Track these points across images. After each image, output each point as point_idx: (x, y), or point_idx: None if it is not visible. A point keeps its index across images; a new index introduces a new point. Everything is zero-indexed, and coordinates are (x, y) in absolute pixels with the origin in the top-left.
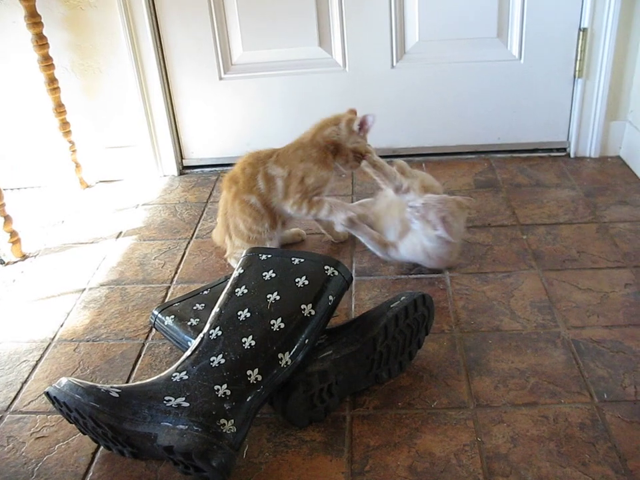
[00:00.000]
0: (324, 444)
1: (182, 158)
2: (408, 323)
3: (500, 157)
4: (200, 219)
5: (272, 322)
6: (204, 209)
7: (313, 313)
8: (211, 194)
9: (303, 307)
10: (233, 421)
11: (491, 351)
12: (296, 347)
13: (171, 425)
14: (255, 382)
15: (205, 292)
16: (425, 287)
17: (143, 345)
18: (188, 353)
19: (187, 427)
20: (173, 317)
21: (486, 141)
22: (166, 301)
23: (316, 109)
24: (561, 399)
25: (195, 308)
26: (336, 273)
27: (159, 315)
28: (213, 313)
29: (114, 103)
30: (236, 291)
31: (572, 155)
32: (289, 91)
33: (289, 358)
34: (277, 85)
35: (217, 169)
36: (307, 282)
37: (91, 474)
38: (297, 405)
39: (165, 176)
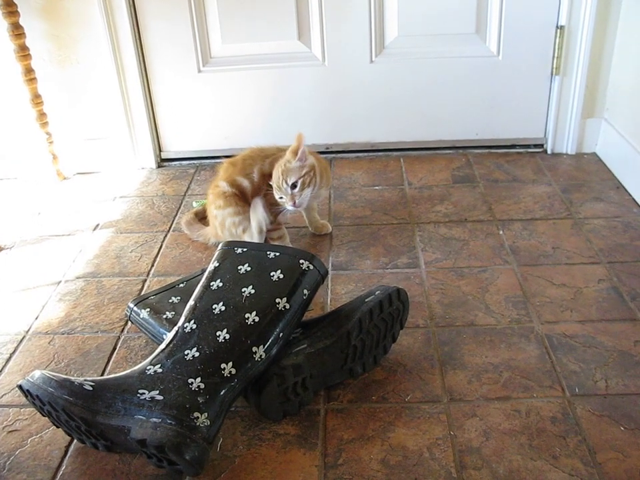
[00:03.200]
0: (298, 437)
1: (160, 150)
2: (382, 317)
3: (477, 152)
4: (177, 212)
5: (246, 315)
6: (181, 202)
7: (287, 306)
8: (188, 187)
9: (277, 300)
10: (206, 414)
11: (465, 345)
12: (270, 340)
13: (144, 418)
14: (228, 375)
15: (181, 285)
16: (401, 282)
17: (119, 337)
18: (162, 346)
19: (160, 420)
20: (148, 309)
21: (464, 137)
22: (142, 293)
23: (294, 103)
24: (534, 393)
25: (170, 301)
26: (311, 267)
27: (135, 308)
28: (187, 306)
29: (92, 95)
30: (211, 284)
31: (549, 152)
32: (268, 85)
33: (263, 352)
34: (255, 78)
35: (195, 162)
36: (281, 276)
37: (64, 467)
38: (271, 399)
39: (142, 168)
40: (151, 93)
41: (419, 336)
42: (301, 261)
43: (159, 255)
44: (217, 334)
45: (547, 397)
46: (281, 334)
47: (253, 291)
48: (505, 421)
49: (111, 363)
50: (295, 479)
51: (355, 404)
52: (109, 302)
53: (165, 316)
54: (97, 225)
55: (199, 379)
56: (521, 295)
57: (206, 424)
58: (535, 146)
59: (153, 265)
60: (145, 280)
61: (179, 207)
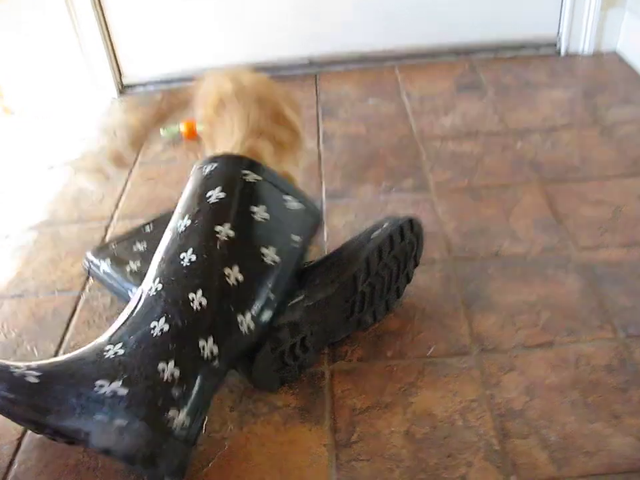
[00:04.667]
0: (300, 410)
1: (121, 76)
2: (394, 254)
3: (482, 57)
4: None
5: (226, 271)
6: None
7: (276, 259)
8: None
9: (263, 250)
10: (184, 410)
11: (493, 281)
12: (258, 305)
13: (106, 419)
14: (209, 356)
15: (148, 228)
16: (409, 208)
17: (79, 297)
18: (123, 316)
19: (126, 422)
20: (109, 261)
21: (466, 39)
22: (103, 242)
23: (269, 11)
24: (581, 337)
25: (135, 248)
26: (295, 206)
27: (94, 260)
28: (153, 260)
29: (36, 15)
30: (178, 224)
31: (563, 52)
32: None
33: (251, 320)
34: None
35: (163, 86)
36: (266, 215)
37: (15, 466)
38: (265, 366)
39: (102, 97)
40: (103, 9)
41: (436, 273)
42: (285, 197)
43: (124, 195)
44: (190, 297)
45: (597, 341)
46: (272, 295)
47: (231, 234)
48: (550, 373)
49: (70, 328)
50: (300, 464)
51: (366, 362)
52: (66, 255)
53: (129, 267)
54: (51, 166)
55: (171, 364)
56: (551, 217)
57: (185, 423)
58: (547, 46)
59: (117, 207)
60: (109, 225)
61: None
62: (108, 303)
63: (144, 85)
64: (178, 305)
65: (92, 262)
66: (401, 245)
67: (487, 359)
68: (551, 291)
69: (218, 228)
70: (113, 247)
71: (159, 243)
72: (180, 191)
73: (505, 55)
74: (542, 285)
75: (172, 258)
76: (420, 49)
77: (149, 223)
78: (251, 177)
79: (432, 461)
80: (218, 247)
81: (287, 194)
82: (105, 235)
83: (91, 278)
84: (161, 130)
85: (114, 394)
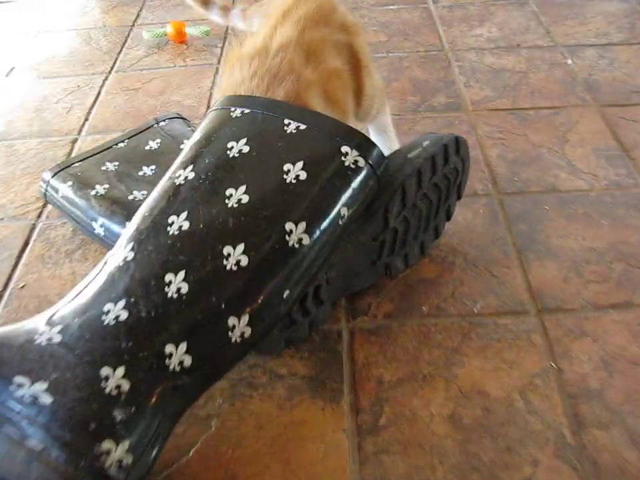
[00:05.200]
0: (311, 381)
1: None
2: (435, 181)
3: None
4: (123, 46)
5: (226, 250)
6: (128, 35)
7: (305, 240)
8: (138, 15)
9: (288, 226)
10: (127, 443)
11: (550, 221)
12: (262, 304)
13: (17, 435)
14: (177, 368)
15: (121, 144)
16: (442, 129)
17: (33, 226)
18: (78, 287)
19: (42, 445)
20: (70, 183)
21: None
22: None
23: None
24: None
25: (104, 168)
26: (360, 162)
27: (52, 182)
28: (134, 217)
29: None
30: (176, 175)
31: None
32: None
33: (247, 326)
34: None
35: None
36: (304, 175)
37: None
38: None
39: None
40: None
41: (479, 209)
42: (343, 148)
43: (96, 105)
44: (166, 279)
45: None
46: (287, 292)
47: (245, 199)
48: (632, 342)
49: (20, 266)
50: (311, 454)
51: (395, 320)
52: (22, 174)
53: (94, 191)
54: (11, 69)
55: (120, 371)
56: (616, 145)
57: (124, 462)
58: None
59: (87, 119)
60: (75, 140)
61: (125, 41)
62: (68, 234)
63: None
64: (148, 285)
65: (49, 184)
66: (444, 169)
67: (550, 320)
68: (623, 237)
69: (229, 191)
70: (77, 165)
71: (133, 164)
72: (163, 102)
73: None
74: (611, 228)
75: (157, 220)
76: None
77: (124, 140)
78: (294, 125)
79: (486, 456)
80: (221, 217)
81: (347, 143)
82: (71, 152)
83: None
84: (144, 32)
85: (34, 400)
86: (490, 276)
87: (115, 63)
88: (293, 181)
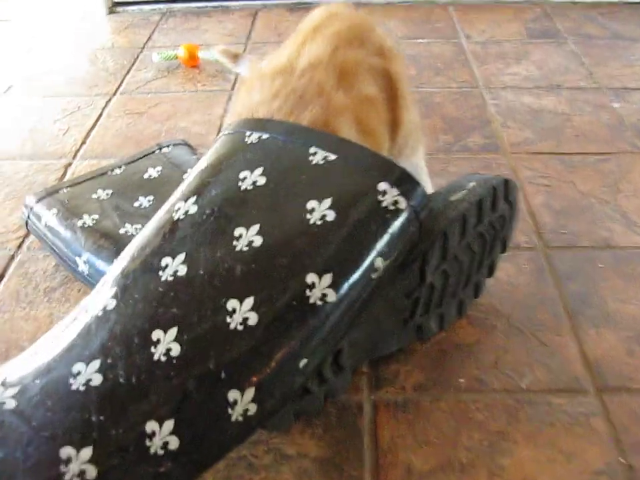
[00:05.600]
0: (324, 464)
1: None
2: (481, 230)
3: (556, 1)
4: (130, 68)
5: (229, 304)
6: (138, 56)
7: (330, 297)
8: (149, 37)
9: (309, 279)
10: None
11: (605, 282)
12: (271, 376)
13: None
14: (161, 451)
15: (118, 170)
16: (478, 171)
17: (12, 258)
18: (45, 340)
19: None
20: (56, 210)
21: None
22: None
23: None
24: None
25: (95, 196)
26: (400, 203)
27: (37, 207)
28: (124, 253)
29: None
30: (175, 208)
31: None
32: None
33: (251, 402)
34: None
35: (162, 5)
36: (331, 215)
37: None
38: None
39: (86, 14)
40: None
41: (523, 264)
42: (380, 185)
43: (96, 127)
44: (154, 337)
45: None
46: (303, 360)
47: (258, 241)
48: None
49: None
50: None
51: (427, 392)
52: (5, 198)
53: (80, 222)
54: (10, 87)
55: (86, 452)
56: None
57: None
58: None
59: (84, 142)
60: (69, 164)
61: (134, 62)
62: (50, 270)
63: (139, 3)
64: (130, 344)
65: (32, 210)
66: (492, 216)
67: (613, 401)
68: None
69: (239, 230)
70: (65, 191)
71: (129, 194)
72: (169, 127)
73: (585, 1)
74: None
75: (147, 261)
76: None
77: (120, 165)
78: (321, 155)
79: None
80: (227, 262)
81: (386, 179)
82: (63, 177)
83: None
84: (154, 54)
85: None
86: (538, 344)
87: (120, 84)
88: (318, 222)
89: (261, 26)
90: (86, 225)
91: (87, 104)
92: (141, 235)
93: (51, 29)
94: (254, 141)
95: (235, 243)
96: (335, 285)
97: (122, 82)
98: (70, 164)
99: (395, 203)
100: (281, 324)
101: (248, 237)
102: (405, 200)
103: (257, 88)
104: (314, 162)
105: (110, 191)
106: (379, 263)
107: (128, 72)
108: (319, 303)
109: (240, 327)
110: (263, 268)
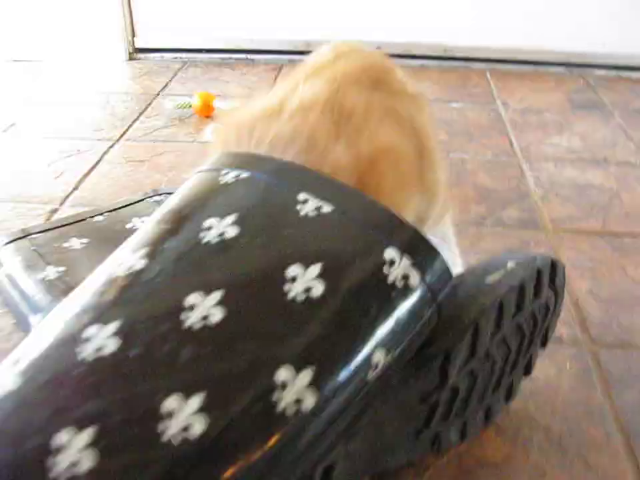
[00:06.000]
0: None
1: (133, 36)
2: (519, 321)
3: (601, 74)
4: (140, 114)
5: (167, 403)
6: (150, 103)
7: (307, 402)
8: (167, 85)
9: (281, 375)
10: None
11: None
12: None
13: None
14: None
15: (99, 217)
16: (513, 248)
17: None
18: None
19: None
20: (21, 258)
21: (581, 49)
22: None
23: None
24: None
25: (67, 245)
26: (412, 279)
27: (1, 252)
28: (42, 320)
29: None
30: (119, 262)
31: None
32: None
33: None
34: None
35: (184, 55)
36: (319, 289)
37: None
38: None
39: (107, 58)
40: None
41: (566, 362)
42: (388, 252)
43: (92, 173)
44: (57, 442)
45: None
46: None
47: (216, 315)
48: None
49: None
50: None
51: None
52: None
53: (43, 274)
54: (12, 124)
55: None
56: None
57: None
58: None
59: (76, 188)
60: (55, 210)
61: (145, 109)
62: (8, 328)
63: (161, 51)
64: (27, 441)
65: None
66: (533, 304)
67: None
68: None
69: (192, 298)
70: (36, 236)
71: (107, 244)
72: (171, 178)
73: (632, 75)
74: None
75: (67, 332)
76: (518, 53)
77: (103, 212)
78: (312, 204)
79: None
80: (171, 342)
81: (392, 247)
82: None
83: None
84: (167, 100)
85: None
86: (584, 467)
87: (126, 130)
88: (300, 298)
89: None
90: (47, 278)
91: (87, 148)
92: (70, 296)
93: (68, 71)
94: (229, 181)
95: (183, 316)
96: (315, 385)
97: (128, 128)
98: (56, 210)
99: (405, 277)
100: (237, 435)
101: (204, 308)
102: (419, 274)
103: (232, 139)
104: (302, 212)
105: (86, 240)
106: (379, 357)
107: (137, 118)
108: (291, 411)
109: (179, 439)
110: (220, 354)
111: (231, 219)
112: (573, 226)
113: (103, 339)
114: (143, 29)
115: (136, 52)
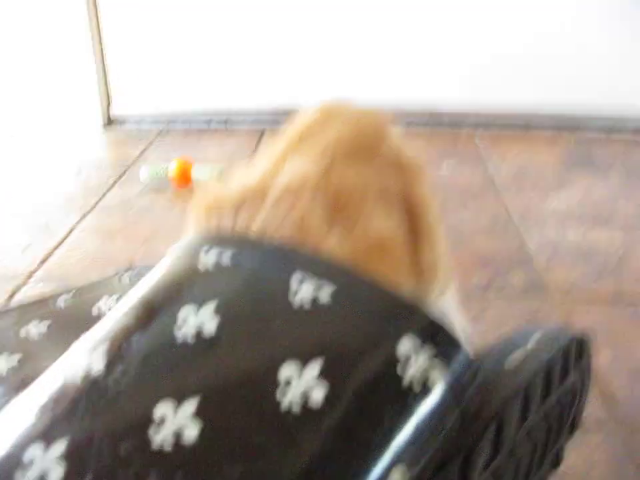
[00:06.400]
0: None
1: (109, 104)
2: (546, 410)
3: (592, 136)
4: (114, 184)
5: None
6: (125, 171)
7: None
8: (143, 152)
9: None
10: None
11: None
12: None
13: None
14: None
15: (62, 301)
16: (523, 319)
17: None
18: None
19: None
20: None
21: (571, 112)
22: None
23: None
24: None
25: (23, 333)
26: (431, 379)
27: None
28: None
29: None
30: (71, 363)
31: None
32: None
33: None
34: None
35: (162, 122)
36: (318, 395)
37: None
38: None
39: (83, 128)
40: (99, 16)
41: (593, 449)
42: (402, 347)
43: (61, 247)
44: None
45: None
46: None
47: (191, 434)
48: None
49: None
50: None
51: None
52: None
53: None
54: None
55: None
56: None
57: None
58: None
59: (44, 262)
60: (19, 287)
61: (119, 177)
62: None
63: (139, 121)
64: None
65: None
66: (560, 390)
67: None
68: None
69: (161, 411)
70: None
71: (68, 332)
72: (146, 251)
73: (622, 138)
74: None
75: (7, 461)
76: (506, 117)
77: (70, 291)
78: (307, 290)
79: None
80: (134, 469)
81: (407, 339)
82: (8, 303)
83: None
84: (143, 168)
85: None
86: None
87: (99, 200)
88: (295, 408)
89: (266, 146)
90: None
91: (57, 220)
92: (18, 400)
93: (40, 143)
94: (209, 264)
95: (150, 434)
96: None
97: (101, 198)
98: (20, 287)
99: (424, 379)
100: None
101: (175, 424)
102: (439, 374)
103: (214, 223)
104: (297, 303)
105: (47, 323)
106: (399, 475)
107: (111, 188)
108: None
109: None
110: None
111: (209, 309)
112: (582, 293)
113: (47, 463)
114: (119, 96)
115: (111, 120)
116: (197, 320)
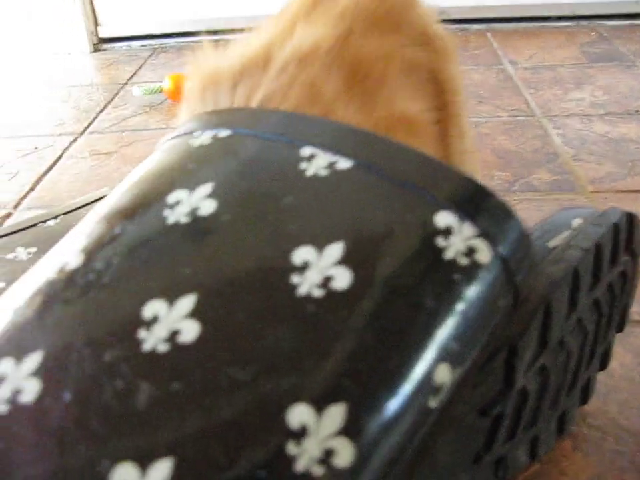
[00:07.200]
0: None
1: (97, 25)
2: (597, 296)
3: (613, 24)
4: (107, 105)
5: (116, 474)
6: (117, 93)
7: (341, 456)
8: (135, 73)
9: (297, 417)
10: None
11: None
12: None
13: None
14: None
15: (52, 221)
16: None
17: None
18: None
19: None
20: None
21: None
22: None
23: None
24: None
25: (11, 256)
26: (480, 253)
27: None
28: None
29: None
30: (53, 261)
31: None
32: None
33: None
34: None
35: (155, 41)
36: (344, 279)
37: None
38: None
39: (70, 52)
40: None
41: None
42: (440, 217)
43: (51, 171)
44: None
45: None
46: None
47: (190, 332)
48: None
49: None
50: None
51: None
52: None
53: None
54: None
55: None
56: None
57: None
58: None
59: (32, 189)
60: (9, 215)
61: (111, 99)
62: None
63: (129, 39)
64: None
65: None
66: (611, 273)
67: None
68: None
69: (151, 309)
70: None
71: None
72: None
73: None
74: None
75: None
76: (520, 10)
77: (56, 215)
78: (321, 161)
79: None
80: (122, 381)
81: (447, 210)
82: None
83: None
84: (135, 87)
85: None
86: None
87: (91, 123)
88: (316, 293)
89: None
90: None
91: (47, 144)
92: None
93: (26, 67)
94: (204, 143)
95: (141, 334)
96: (349, 433)
97: (93, 120)
98: (9, 215)
99: (471, 250)
100: None
101: (169, 322)
102: (490, 245)
103: (209, 101)
104: (309, 173)
105: (33, 249)
106: (444, 374)
107: (103, 110)
108: (318, 471)
109: None
110: (196, 390)
111: (205, 189)
112: (615, 185)
113: (19, 380)
114: (107, 17)
115: (101, 42)
116: (190, 201)
